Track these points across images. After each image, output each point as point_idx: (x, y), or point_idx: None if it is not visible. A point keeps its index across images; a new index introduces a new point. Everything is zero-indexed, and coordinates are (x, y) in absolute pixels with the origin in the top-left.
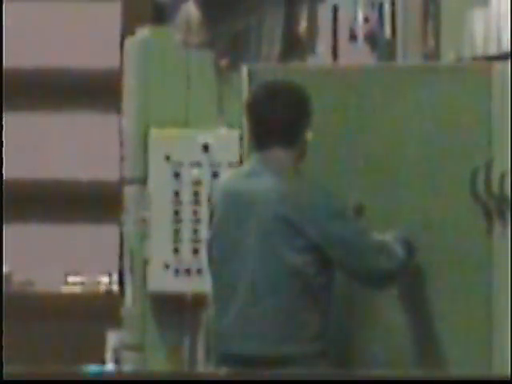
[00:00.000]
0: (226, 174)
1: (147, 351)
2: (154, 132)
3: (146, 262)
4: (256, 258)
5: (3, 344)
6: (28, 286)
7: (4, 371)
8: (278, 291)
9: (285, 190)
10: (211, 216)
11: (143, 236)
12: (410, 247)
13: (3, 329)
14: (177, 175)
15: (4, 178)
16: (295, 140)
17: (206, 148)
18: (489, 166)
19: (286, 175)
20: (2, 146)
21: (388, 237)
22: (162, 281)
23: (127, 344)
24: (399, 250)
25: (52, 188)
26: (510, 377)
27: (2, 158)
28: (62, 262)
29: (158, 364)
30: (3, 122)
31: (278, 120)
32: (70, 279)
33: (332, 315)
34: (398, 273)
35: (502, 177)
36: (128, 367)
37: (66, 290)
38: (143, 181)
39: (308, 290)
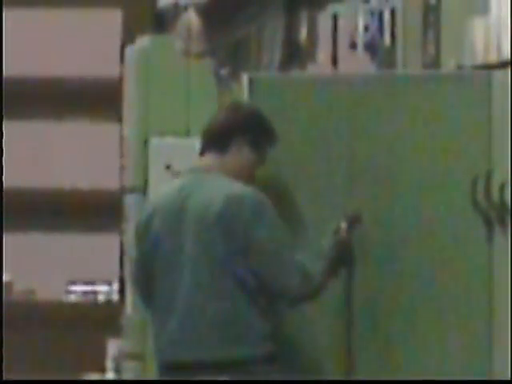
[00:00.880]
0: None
1: (147, 360)
2: (154, 141)
3: None
4: (193, 265)
5: (3, 352)
6: (29, 295)
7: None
8: (216, 295)
9: (223, 196)
10: (141, 234)
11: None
12: (334, 263)
13: (3, 336)
14: None
15: (5, 187)
16: (224, 145)
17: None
18: (489, 175)
19: (228, 184)
20: (2, 154)
21: (314, 252)
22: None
23: (127, 353)
24: (315, 271)
25: (53, 197)
26: (510, 377)
27: (1, 166)
28: (62, 270)
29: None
30: (3, 130)
31: (210, 127)
32: (71, 288)
33: (280, 316)
34: (308, 296)
35: (502, 186)
36: (128, 376)
37: (66, 298)
38: (144, 190)
39: (246, 292)
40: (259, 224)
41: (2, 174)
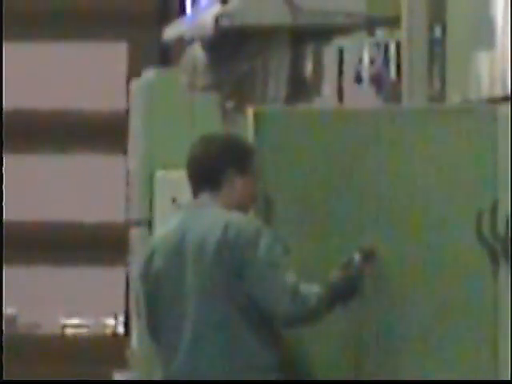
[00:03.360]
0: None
1: None
2: (159, 174)
3: None
4: (196, 296)
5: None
6: (34, 329)
7: None
8: (219, 324)
9: (221, 227)
10: (143, 274)
11: None
12: (337, 294)
13: (2, 364)
14: None
15: (11, 220)
16: (219, 185)
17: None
18: (494, 208)
19: (224, 215)
20: (2, 182)
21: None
22: None
23: None
24: (315, 299)
25: (58, 230)
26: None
27: (1, 195)
28: (68, 304)
29: None
30: (7, 163)
31: (199, 169)
32: (76, 321)
33: (282, 345)
34: (302, 318)
35: (508, 219)
36: None
37: (71, 332)
38: (149, 223)
39: (249, 320)
40: (254, 250)
41: (2, 203)
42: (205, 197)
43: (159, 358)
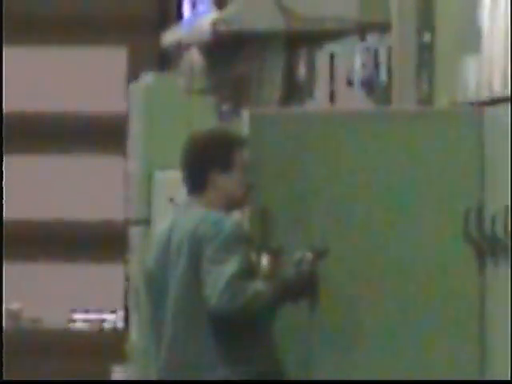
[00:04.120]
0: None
1: None
2: (158, 175)
3: None
4: (172, 291)
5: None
6: (37, 323)
7: None
8: (194, 313)
9: (194, 224)
10: (143, 269)
11: None
12: (284, 291)
13: (2, 363)
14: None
15: (14, 219)
16: (205, 185)
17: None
18: (481, 208)
19: (201, 214)
20: (2, 179)
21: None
22: None
23: (132, 378)
24: (252, 293)
25: (60, 228)
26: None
27: (1, 194)
28: (69, 300)
29: None
30: (10, 165)
31: (187, 169)
32: (77, 316)
33: (265, 338)
34: (231, 312)
35: (494, 218)
36: None
37: (73, 326)
38: (148, 222)
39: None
40: (207, 248)
41: (2, 202)
42: (191, 197)
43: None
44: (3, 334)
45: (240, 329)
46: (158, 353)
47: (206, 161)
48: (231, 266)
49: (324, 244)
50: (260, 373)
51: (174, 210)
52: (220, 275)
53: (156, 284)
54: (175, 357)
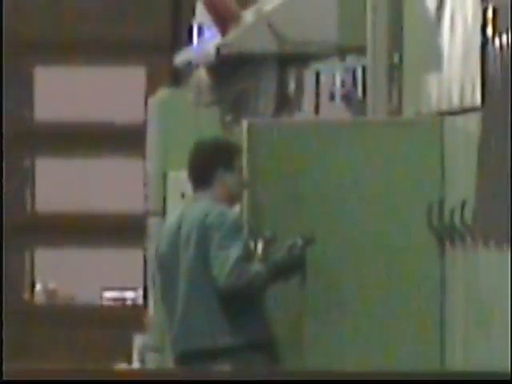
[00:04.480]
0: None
1: (166, 351)
2: (171, 174)
3: None
4: (184, 270)
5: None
6: (70, 300)
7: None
8: (204, 291)
9: (201, 215)
10: (156, 249)
11: None
12: (276, 271)
13: (39, 329)
14: None
15: (55, 211)
16: (210, 182)
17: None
18: (441, 202)
19: (208, 206)
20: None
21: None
22: None
23: (150, 346)
24: (249, 273)
25: (89, 219)
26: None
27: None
28: (98, 280)
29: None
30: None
31: (194, 169)
32: (105, 294)
33: (260, 311)
34: (240, 286)
35: (453, 211)
36: (150, 366)
37: (101, 303)
38: (163, 214)
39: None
40: (216, 231)
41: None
42: (199, 192)
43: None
44: (39, 310)
45: (241, 303)
46: (170, 325)
47: (214, 162)
48: (236, 251)
49: (311, 233)
50: (256, 341)
51: (182, 203)
52: (226, 259)
53: (167, 266)
54: (186, 328)
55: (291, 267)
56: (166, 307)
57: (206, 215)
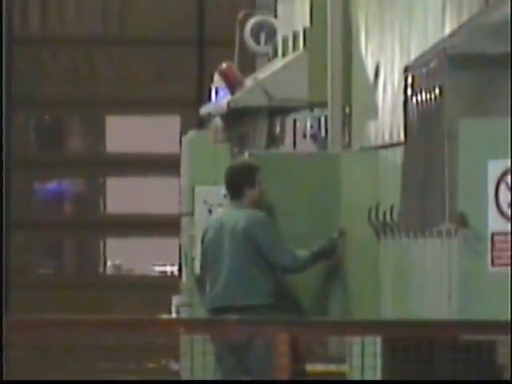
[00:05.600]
0: (216, 213)
1: (195, 307)
2: (197, 188)
3: (193, 259)
4: (230, 253)
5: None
6: (130, 272)
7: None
8: (241, 269)
9: (244, 219)
10: (202, 240)
11: (191, 245)
12: (318, 256)
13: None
14: (210, 211)
15: (121, 212)
16: (242, 195)
17: (224, 196)
18: (377, 207)
19: (246, 212)
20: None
21: (309, 249)
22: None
23: (183, 303)
24: (303, 257)
25: (144, 218)
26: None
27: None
28: (149, 259)
29: (201, 314)
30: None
31: (230, 184)
32: (153, 268)
33: (278, 281)
34: (295, 270)
35: (385, 212)
36: (184, 315)
37: (151, 274)
38: (192, 214)
39: (257, 267)
40: (264, 233)
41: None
42: (235, 202)
43: (203, 288)
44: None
45: (276, 275)
46: (212, 287)
47: (243, 180)
48: (285, 244)
49: (343, 228)
50: (283, 304)
51: (222, 208)
52: (283, 249)
53: (213, 248)
54: (227, 290)
55: (329, 252)
56: (210, 275)
57: (249, 220)
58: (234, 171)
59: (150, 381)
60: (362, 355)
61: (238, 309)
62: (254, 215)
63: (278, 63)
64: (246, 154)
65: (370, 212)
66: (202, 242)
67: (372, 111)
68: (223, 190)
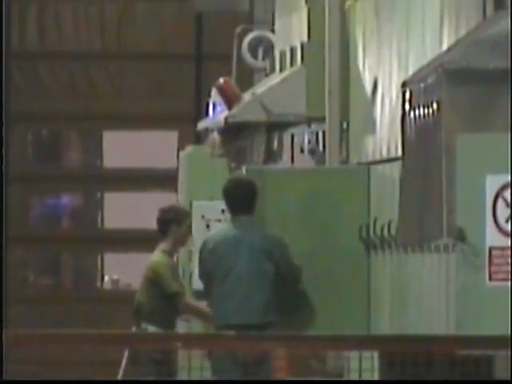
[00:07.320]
0: (215, 229)
1: (191, 321)
2: (195, 203)
3: (190, 274)
4: (247, 270)
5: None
6: (128, 287)
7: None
8: (261, 287)
9: (262, 237)
10: (206, 257)
11: (189, 260)
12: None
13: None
14: (208, 226)
15: (118, 228)
16: (251, 210)
17: (223, 211)
18: (368, 225)
19: (260, 229)
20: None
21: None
22: (198, 282)
23: (181, 317)
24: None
25: (140, 232)
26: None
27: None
28: None
29: (198, 328)
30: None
31: (241, 200)
32: None
33: (280, 300)
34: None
35: (383, 226)
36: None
37: None
38: (190, 226)
39: (271, 285)
40: (280, 250)
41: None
42: (246, 217)
43: (213, 300)
44: (102, 293)
45: (282, 296)
46: (226, 303)
47: (255, 194)
48: (295, 262)
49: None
50: (280, 322)
51: (228, 223)
52: (294, 265)
53: (225, 265)
54: (246, 305)
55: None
56: (222, 290)
57: (265, 237)
58: (241, 186)
59: (148, 381)
60: (360, 370)
61: (255, 326)
62: (271, 234)
63: (276, 78)
64: (243, 169)
65: (360, 228)
66: (204, 260)
67: (370, 126)
68: (223, 205)
